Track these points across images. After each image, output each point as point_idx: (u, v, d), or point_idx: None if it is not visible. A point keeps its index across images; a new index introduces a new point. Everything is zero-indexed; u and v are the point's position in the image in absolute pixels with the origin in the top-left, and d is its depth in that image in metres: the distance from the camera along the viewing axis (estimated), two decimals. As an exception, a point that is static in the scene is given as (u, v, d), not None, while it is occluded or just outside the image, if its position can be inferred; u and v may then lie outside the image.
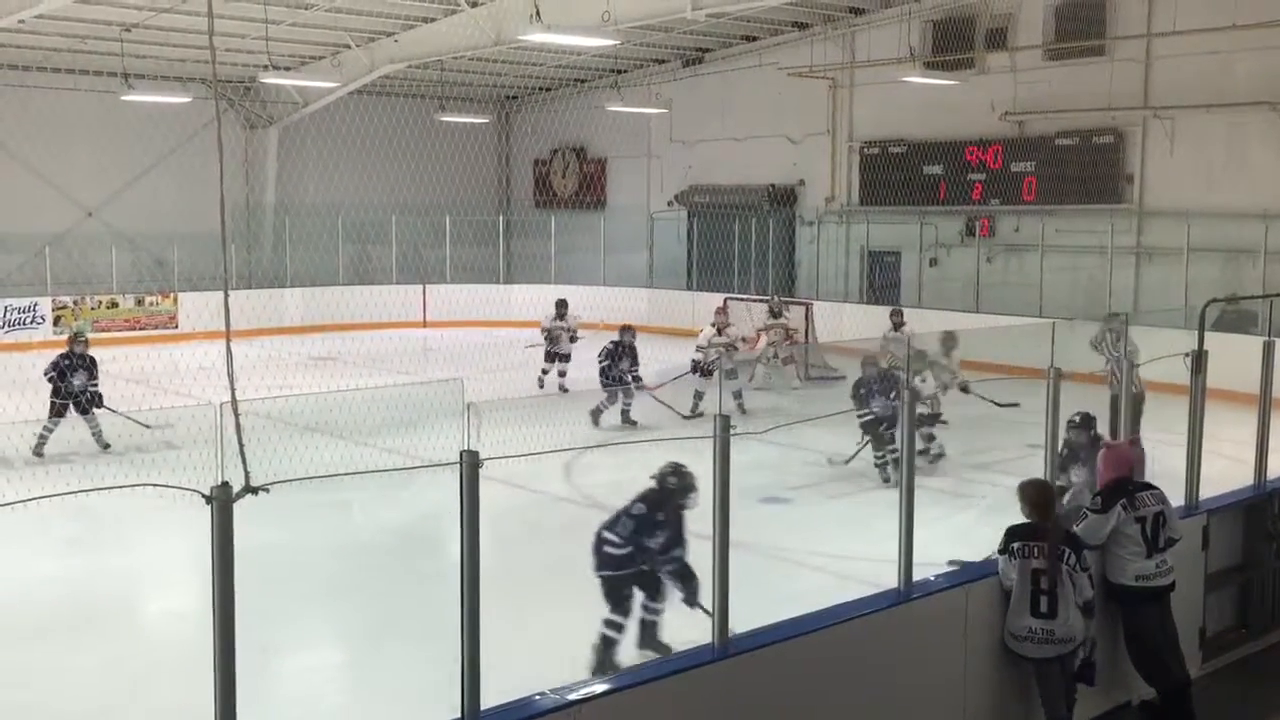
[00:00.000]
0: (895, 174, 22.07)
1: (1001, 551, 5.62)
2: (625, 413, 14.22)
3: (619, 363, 14.58)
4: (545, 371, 16.67)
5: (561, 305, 17.11)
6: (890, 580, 5.52)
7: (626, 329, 15.08)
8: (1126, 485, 6.09)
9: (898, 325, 16.53)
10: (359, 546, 9.40)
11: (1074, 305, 18.01)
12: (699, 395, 13.95)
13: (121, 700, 6.46)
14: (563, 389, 16.31)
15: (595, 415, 14.06)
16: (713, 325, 15.62)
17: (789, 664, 4.88)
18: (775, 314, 17.82)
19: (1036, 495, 5.70)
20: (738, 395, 14.16)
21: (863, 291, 22.72)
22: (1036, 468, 7.93)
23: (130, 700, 6.49)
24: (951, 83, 20.49)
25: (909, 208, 21.70)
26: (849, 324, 18.21)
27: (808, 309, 19.01)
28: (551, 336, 16.77)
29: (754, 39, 23.77)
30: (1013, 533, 5.63)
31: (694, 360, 14.76)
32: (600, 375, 14.62)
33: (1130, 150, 19.28)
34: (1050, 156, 20.03)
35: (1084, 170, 19.51)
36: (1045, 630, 5.48)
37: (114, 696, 6.48)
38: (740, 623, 4.81)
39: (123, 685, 6.63)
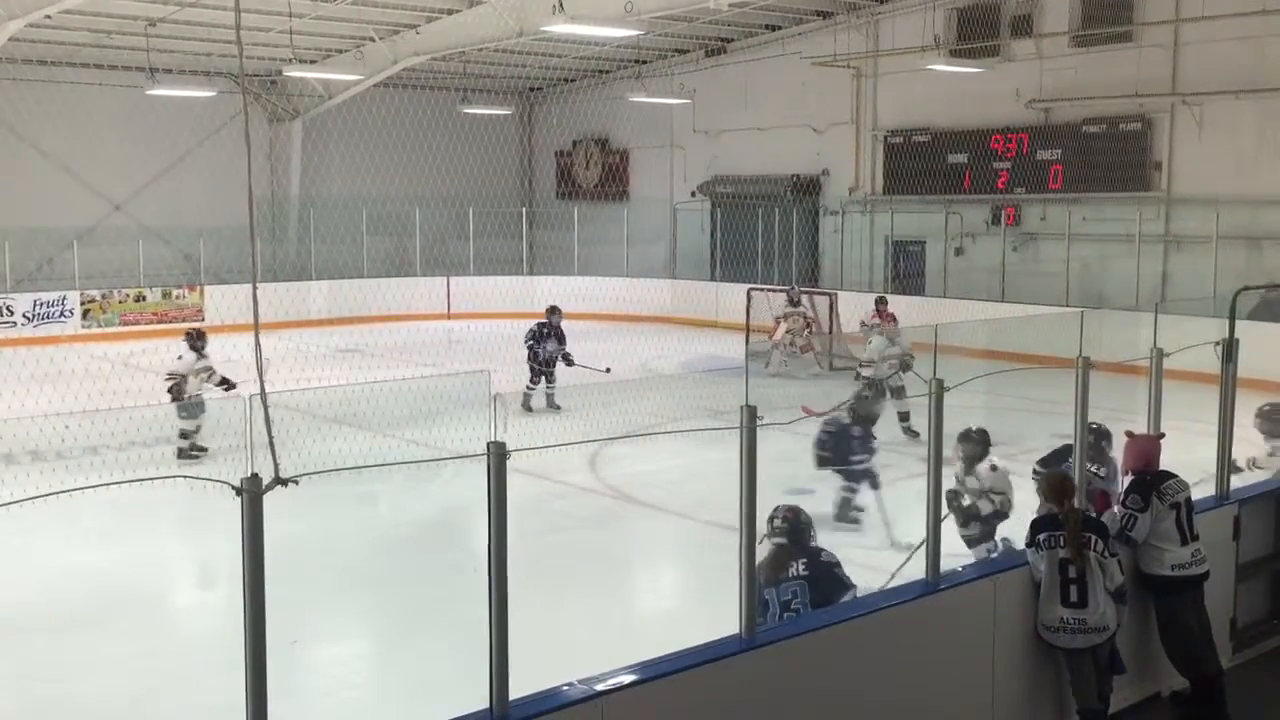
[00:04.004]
0: (920, 163, 21.95)
1: (1028, 545, 5.59)
2: (550, 397, 14.18)
3: (545, 343, 14.47)
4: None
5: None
6: (917, 571, 5.50)
7: (554, 310, 14.89)
8: (1153, 476, 6.08)
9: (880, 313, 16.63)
10: (386, 538, 9.45)
11: (1102, 294, 17.88)
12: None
13: (153, 692, 6.52)
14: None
15: (525, 400, 14.09)
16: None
17: (817, 654, 4.86)
18: (794, 303, 17.83)
19: (1052, 484, 5.68)
20: None
21: (887, 281, 22.62)
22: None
23: (161, 691, 6.55)
24: (977, 70, 20.34)
25: (933, 197, 21.58)
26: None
27: (831, 299, 18.96)
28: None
29: (777, 28, 23.67)
30: (1037, 524, 5.60)
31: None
32: (528, 357, 14.48)
33: (1158, 137, 19.09)
34: (1077, 144, 19.86)
35: (1111, 158, 19.34)
36: (1077, 620, 5.45)
37: (145, 688, 6.54)
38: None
39: (154, 676, 6.68)
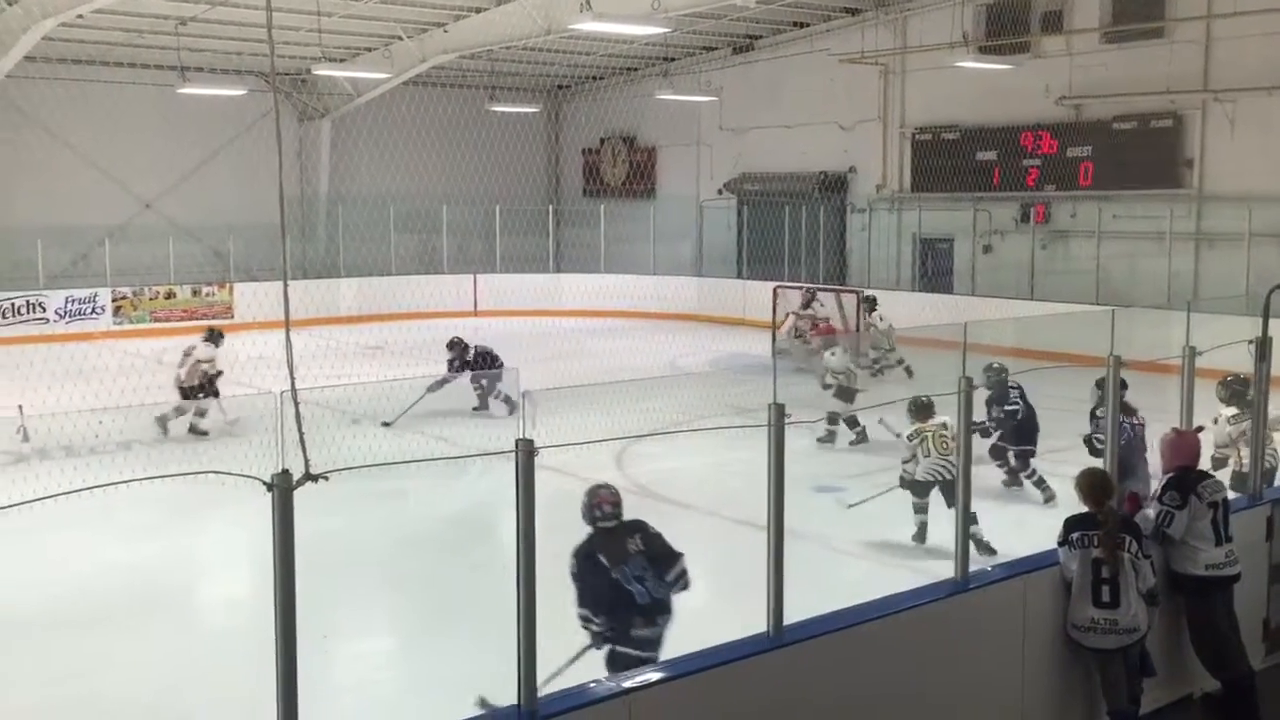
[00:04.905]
0: (948, 160, 21.82)
1: (1061, 543, 5.56)
2: (508, 399, 13.93)
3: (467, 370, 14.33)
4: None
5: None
6: (945, 570, 5.48)
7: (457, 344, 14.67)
8: (1193, 474, 6.03)
9: (871, 310, 16.95)
10: (414, 534, 9.48)
11: (1132, 292, 17.73)
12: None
13: (182, 686, 6.57)
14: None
15: (507, 403, 13.87)
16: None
17: (844, 653, 4.86)
18: (805, 304, 17.88)
19: (1091, 484, 5.63)
20: None
21: (915, 279, 22.52)
22: (1089, 456, 7.84)
23: (192, 685, 6.60)
24: (1006, 67, 20.21)
25: (962, 194, 21.45)
26: (901, 312, 18.02)
27: (858, 297, 18.88)
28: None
29: (805, 25, 23.59)
30: (1071, 523, 5.56)
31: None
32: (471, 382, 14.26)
33: (1189, 134, 18.91)
34: (1107, 141, 19.69)
35: (1142, 155, 19.15)
36: (1109, 620, 5.41)
37: (175, 682, 6.59)
38: (794, 612, 4.79)
39: (185, 671, 6.74)
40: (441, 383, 13.95)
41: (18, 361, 13.93)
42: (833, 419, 12.29)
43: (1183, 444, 6.18)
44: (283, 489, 3.64)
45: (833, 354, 12.86)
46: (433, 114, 25.57)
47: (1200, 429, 6.45)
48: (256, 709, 3.83)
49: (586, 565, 5.47)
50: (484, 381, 14.17)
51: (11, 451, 11.47)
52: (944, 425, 8.86)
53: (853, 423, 12.28)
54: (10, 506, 3.72)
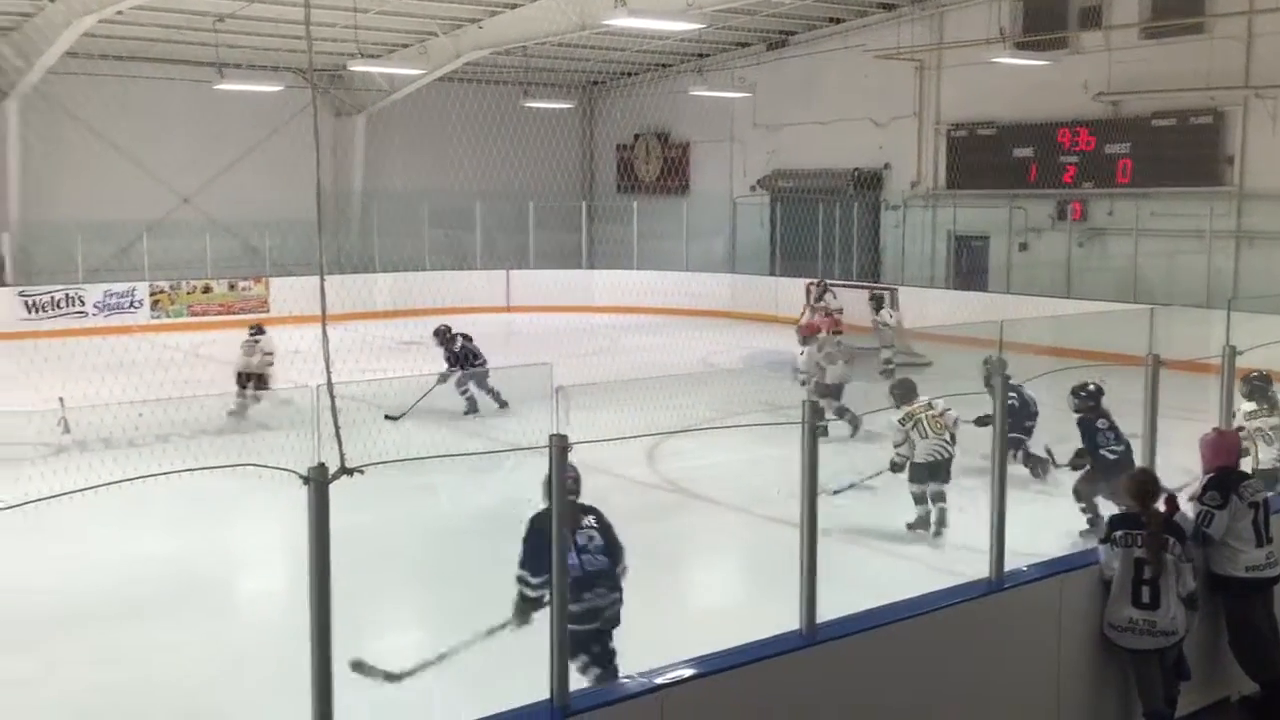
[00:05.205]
0: (984, 157, 21.66)
1: (1103, 541, 5.50)
2: (498, 395, 13.89)
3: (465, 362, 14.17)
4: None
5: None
6: (979, 569, 5.43)
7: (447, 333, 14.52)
8: (1234, 474, 5.97)
9: (878, 309, 16.88)
10: (445, 529, 9.52)
11: (1170, 291, 17.53)
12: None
13: (218, 679, 6.63)
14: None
15: (497, 399, 13.85)
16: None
17: (878, 652, 4.83)
18: (817, 297, 18.08)
19: (1138, 484, 5.58)
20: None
21: (949, 277, 22.36)
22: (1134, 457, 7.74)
23: (226, 679, 6.65)
24: (1043, 63, 20.02)
25: (998, 191, 21.29)
26: (935, 309, 17.94)
27: (891, 294, 18.79)
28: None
29: (839, 21, 23.49)
30: (1115, 521, 5.51)
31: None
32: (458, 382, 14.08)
33: (1230, 131, 18.66)
34: (1146, 138, 19.47)
35: (1181, 152, 18.93)
36: (1147, 621, 5.35)
37: (211, 675, 6.64)
38: (827, 610, 4.78)
39: (219, 664, 6.79)
40: (446, 376, 13.83)
41: (59, 353, 14.11)
42: (818, 413, 12.13)
43: (1223, 443, 6.11)
44: (319, 482, 3.67)
45: (802, 354, 12.93)
46: (467, 110, 25.69)
47: (1241, 429, 6.37)
48: (293, 700, 3.85)
49: (537, 528, 5.66)
50: (470, 384, 13.86)
51: (51, 443, 11.62)
52: (929, 405, 8.92)
53: (841, 413, 12.22)
54: (52, 497, 3.76)
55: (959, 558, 8.02)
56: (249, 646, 6.98)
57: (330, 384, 3.97)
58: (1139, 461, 6.38)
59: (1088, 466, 8.78)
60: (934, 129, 22.79)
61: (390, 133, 25.70)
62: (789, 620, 4.75)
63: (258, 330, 14.45)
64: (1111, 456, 8.51)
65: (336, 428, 3.90)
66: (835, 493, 9.08)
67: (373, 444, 6.86)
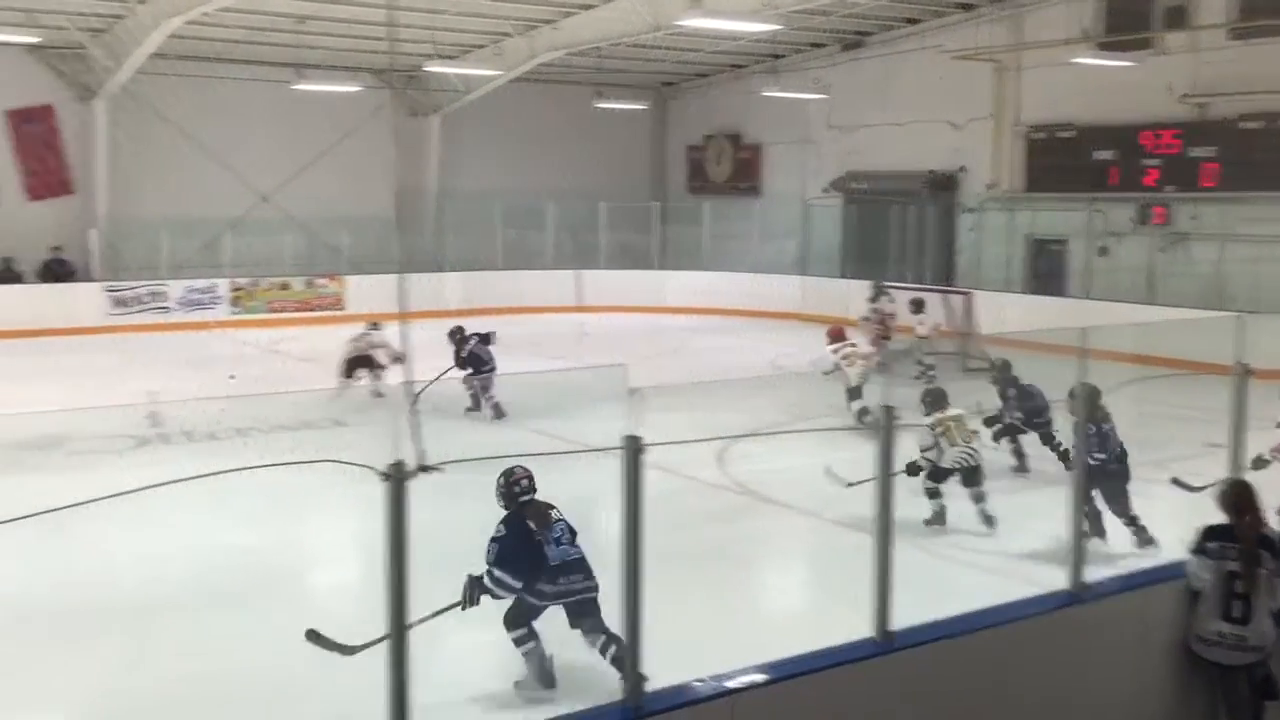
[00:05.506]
0: (1063, 159, 21.25)
1: (1195, 551, 5.37)
2: (497, 406, 13.66)
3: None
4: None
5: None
6: (1055, 581, 5.33)
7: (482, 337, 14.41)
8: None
9: (916, 311, 16.79)
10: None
11: (1258, 298, 17.05)
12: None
13: (294, 673, 6.69)
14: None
15: (495, 409, 13.61)
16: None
17: (953, 662, 4.76)
18: (872, 299, 17.81)
19: (1234, 495, 5.42)
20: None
21: (1026, 281, 21.99)
22: (1216, 467, 7.55)
23: (303, 672, 6.72)
24: (1127, 64, 19.60)
25: (1077, 195, 20.87)
26: (1011, 314, 17.64)
27: (968, 299, 18.53)
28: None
29: (916, 21, 23.22)
30: (1209, 532, 5.36)
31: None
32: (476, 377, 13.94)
33: (1323, 134, 18.10)
34: (1233, 141, 18.95)
35: (1271, 155, 18.38)
36: (1236, 636, 5.21)
37: (287, 669, 6.69)
38: (900, 618, 4.72)
39: (296, 656, 6.86)
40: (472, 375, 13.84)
41: (144, 347, 14.45)
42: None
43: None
44: (397, 479, 3.71)
45: (837, 352, 13.41)
46: (539, 110, 25.86)
47: None
48: (368, 694, 3.90)
49: (518, 531, 6.24)
50: (476, 383, 13.74)
51: (135, 435, 11.89)
52: (959, 415, 9.33)
53: (862, 414, 12.54)
54: (145, 489, 3.85)
55: (1024, 568, 7.88)
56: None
57: (411, 382, 4.01)
58: (1224, 472, 6.20)
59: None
60: (1012, 130, 22.41)
61: (464, 133, 25.93)
62: (859, 626, 4.70)
63: (374, 326, 14.73)
64: (1093, 464, 8.23)
65: (416, 426, 3.94)
66: (850, 485, 9.17)
67: (445, 442, 6.94)
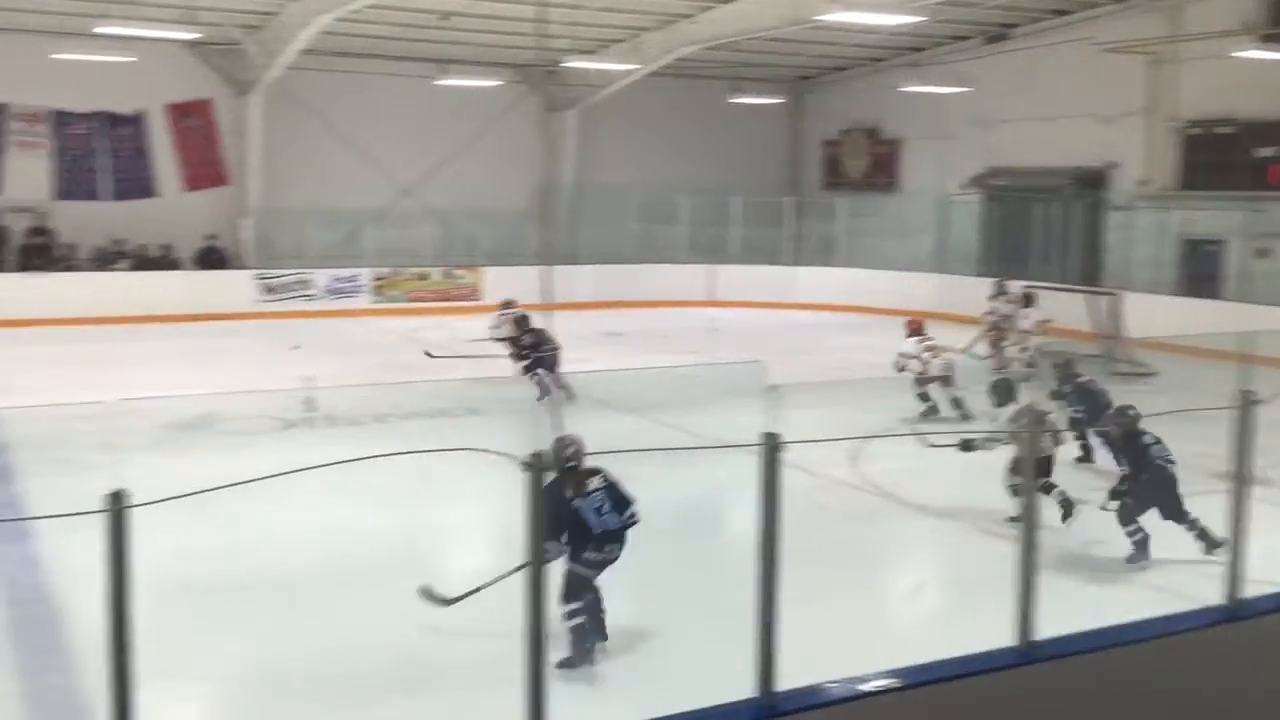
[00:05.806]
0: (1221, 156, 20.32)
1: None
2: (567, 387, 13.11)
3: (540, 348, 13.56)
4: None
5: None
6: (1207, 595, 5.10)
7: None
8: None
9: (1027, 304, 16.50)
10: (645, 521, 9.56)
11: None
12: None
13: (428, 653, 6.84)
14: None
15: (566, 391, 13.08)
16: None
17: (1097, 676, 4.59)
18: (992, 296, 17.38)
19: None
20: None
21: (1177, 282, 21.08)
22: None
23: (437, 653, 6.87)
24: (1291, 57, 18.63)
25: (1235, 193, 19.93)
26: (1162, 317, 16.94)
27: (1116, 299, 17.85)
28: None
29: (1065, 13, 22.46)
30: None
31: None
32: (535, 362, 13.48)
33: None
34: None
35: None
36: None
37: (418, 650, 6.85)
38: (1042, 628, 4.57)
39: (430, 639, 7.00)
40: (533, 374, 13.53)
41: (293, 333, 14.93)
42: (924, 397, 13.60)
43: None
44: (536, 468, 3.75)
45: (921, 343, 13.80)
46: (674, 105, 25.88)
47: None
48: (504, 675, 3.96)
49: (552, 495, 6.12)
50: (540, 371, 13.22)
51: (280, 417, 12.31)
52: (1031, 406, 9.41)
53: (924, 397, 13.48)
54: (297, 471, 3.98)
55: (1174, 580, 7.56)
56: (454, 626, 7.11)
57: (558, 375, 4.05)
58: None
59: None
60: (1166, 126, 21.50)
61: (600, 127, 26.13)
62: (995, 635, 4.57)
63: (508, 305, 14.87)
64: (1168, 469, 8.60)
65: (560, 418, 3.98)
66: (934, 446, 9.98)
67: (579, 433, 7.00)
